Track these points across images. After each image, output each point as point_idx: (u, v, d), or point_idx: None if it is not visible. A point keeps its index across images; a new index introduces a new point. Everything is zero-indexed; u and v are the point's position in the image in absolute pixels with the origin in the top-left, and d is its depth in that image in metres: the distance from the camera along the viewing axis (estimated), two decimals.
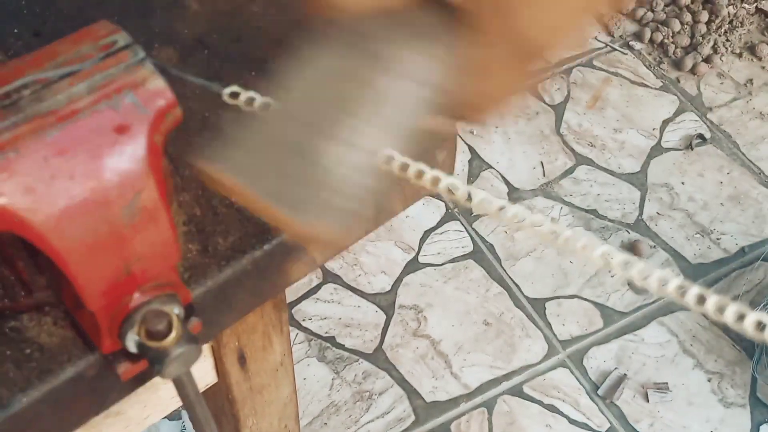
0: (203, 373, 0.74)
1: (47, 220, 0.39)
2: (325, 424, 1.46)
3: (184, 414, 1.24)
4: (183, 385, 0.48)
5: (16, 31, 0.60)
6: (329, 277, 1.61)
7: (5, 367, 0.47)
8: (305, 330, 1.56)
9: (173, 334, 0.44)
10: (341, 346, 1.54)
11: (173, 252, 0.44)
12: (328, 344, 1.54)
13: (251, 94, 0.42)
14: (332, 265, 1.63)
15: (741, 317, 0.34)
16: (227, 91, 0.42)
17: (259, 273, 0.53)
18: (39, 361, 0.47)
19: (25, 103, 0.40)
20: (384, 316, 1.58)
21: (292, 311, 1.57)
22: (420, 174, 0.40)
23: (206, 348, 0.72)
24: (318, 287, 1.60)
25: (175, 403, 0.74)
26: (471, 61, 0.40)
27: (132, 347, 0.45)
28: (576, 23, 0.40)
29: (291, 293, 1.59)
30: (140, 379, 0.51)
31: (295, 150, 0.40)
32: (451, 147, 0.57)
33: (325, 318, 1.57)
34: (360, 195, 0.40)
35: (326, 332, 1.56)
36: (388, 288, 1.61)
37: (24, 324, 0.48)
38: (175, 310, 0.45)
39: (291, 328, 1.56)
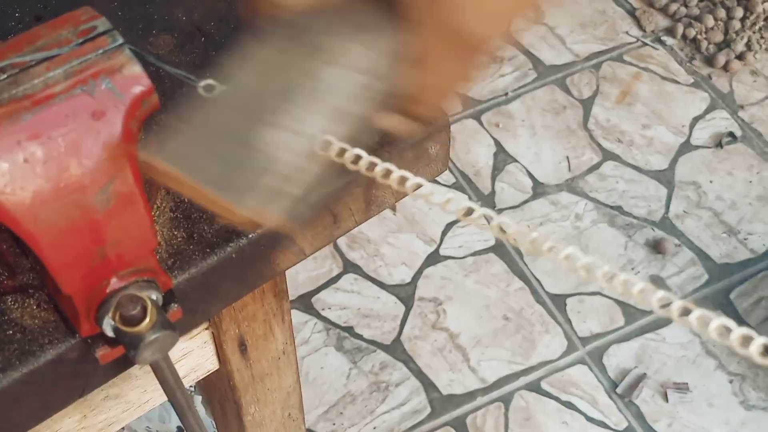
0: (204, 359, 0.74)
1: (20, 204, 0.40)
2: (341, 413, 1.47)
3: (196, 398, 1.25)
4: (161, 371, 0.48)
5: (17, 15, 0.61)
6: (349, 267, 1.62)
7: None
8: (324, 319, 1.56)
9: (147, 320, 0.44)
10: (359, 337, 1.54)
11: (149, 238, 0.44)
12: (347, 334, 1.55)
13: (225, 88, 0.42)
14: (353, 256, 1.63)
15: None
16: (202, 84, 0.42)
17: (245, 262, 0.53)
18: (20, 342, 0.48)
19: (1, 86, 0.40)
20: (403, 308, 1.57)
21: (312, 300, 1.58)
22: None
23: (207, 334, 0.72)
24: (338, 277, 1.61)
25: None
26: (411, 53, 0.39)
27: (109, 331, 0.45)
28: (514, 14, 0.39)
29: (311, 282, 1.60)
30: (122, 364, 0.51)
31: (237, 137, 0.40)
32: (444, 140, 0.57)
33: (344, 308, 1.57)
34: (300, 180, 0.40)
35: (345, 322, 1.56)
36: (409, 280, 1.60)
37: (8, 305, 0.49)
38: (152, 296, 0.45)
39: (309, 317, 1.56)
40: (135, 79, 0.41)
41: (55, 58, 0.41)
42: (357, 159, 0.43)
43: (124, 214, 0.42)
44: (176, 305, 0.48)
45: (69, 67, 0.41)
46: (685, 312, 0.39)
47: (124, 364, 0.51)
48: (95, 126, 0.41)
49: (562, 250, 0.42)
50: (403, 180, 0.42)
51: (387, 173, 0.42)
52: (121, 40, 0.42)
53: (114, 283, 0.44)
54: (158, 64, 0.44)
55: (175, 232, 0.52)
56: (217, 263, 0.51)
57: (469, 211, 0.43)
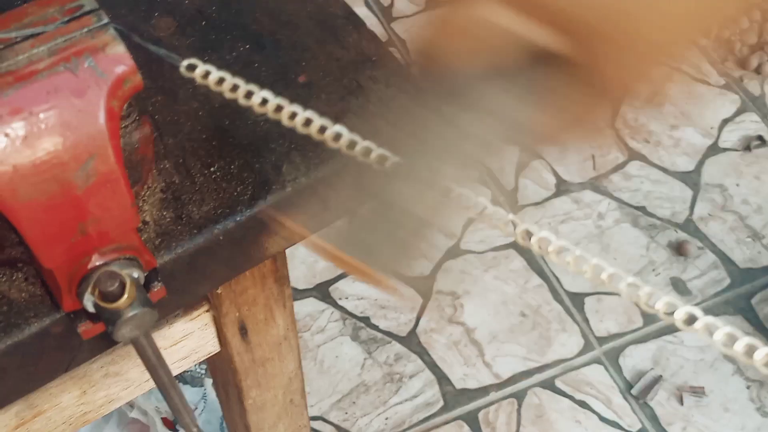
0: (205, 341, 0.75)
1: (0, 177, 0.40)
2: (354, 402, 1.47)
3: (207, 381, 1.26)
4: (142, 349, 0.49)
5: None
6: None
7: None
8: (341, 309, 1.57)
9: (126, 297, 0.44)
10: (375, 327, 1.55)
11: (130, 216, 0.45)
12: (363, 324, 1.55)
13: (207, 67, 0.43)
14: None
15: None
16: (184, 63, 0.43)
17: (233, 244, 0.53)
18: (6, 314, 0.49)
19: None
20: (420, 300, 1.57)
21: (329, 289, 1.59)
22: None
23: (208, 317, 0.73)
24: None
25: (177, 369, 0.75)
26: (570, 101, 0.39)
27: (89, 307, 0.46)
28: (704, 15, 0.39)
29: (329, 271, 1.61)
30: (108, 341, 0.52)
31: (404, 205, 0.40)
32: None
33: (361, 298, 1.58)
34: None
35: (361, 312, 1.56)
36: (427, 272, 1.60)
37: None
38: (134, 274, 0.46)
39: (326, 305, 1.57)
40: (118, 59, 0.42)
41: (41, 36, 0.42)
42: (337, 137, 0.43)
43: (105, 192, 0.43)
44: (160, 284, 0.49)
45: (53, 45, 0.42)
46: (691, 320, 0.38)
47: (110, 340, 0.52)
48: (76, 103, 0.41)
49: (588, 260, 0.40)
50: (382, 159, 0.42)
51: (366, 152, 0.42)
52: (106, 20, 0.43)
53: (95, 259, 0.45)
54: (143, 44, 0.45)
55: (164, 213, 0.52)
56: (204, 244, 0.52)
57: (483, 210, 0.43)
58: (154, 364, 0.50)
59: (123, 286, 0.44)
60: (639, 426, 1.44)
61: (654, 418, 1.44)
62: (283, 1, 0.61)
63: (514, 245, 1.63)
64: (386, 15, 1.97)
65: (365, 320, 1.55)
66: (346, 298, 1.58)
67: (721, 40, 1.88)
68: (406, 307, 1.56)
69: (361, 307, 1.57)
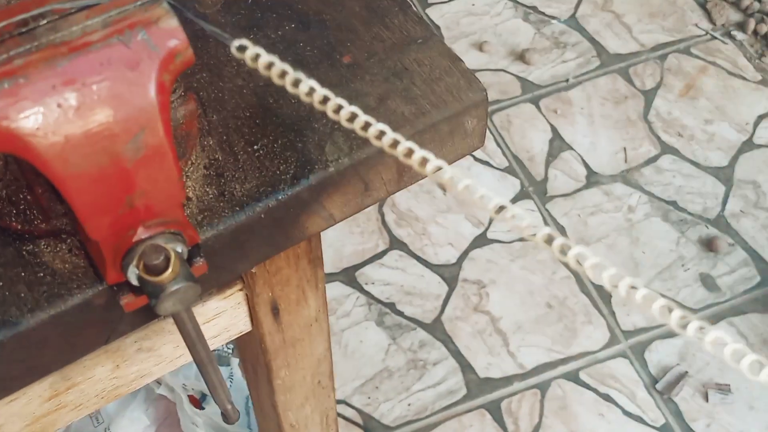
0: (237, 320, 0.75)
1: (51, 147, 0.41)
2: (377, 387, 1.47)
3: (234, 360, 1.27)
4: (183, 323, 0.49)
5: None
6: (396, 243, 1.62)
7: (18, 287, 0.49)
8: (367, 294, 1.57)
9: (170, 270, 0.45)
10: (401, 314, 1.55)
11: (177, 191, 0.45)
12: (388, 310, 1.55)
13: (257, 50, 0.43)
14: (399, 233, 1.63)
15: None
16: (236, 44, 0.43)
17: (273, 222, 0.53)
18: (50, 285, 0.49)
19: (40, 32, 0.41)
20: (446, 288, 1.57)
21: (356, 274, 1.59)
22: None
23: (241, 296, 0.73)
24: (383, 253, 1.61)
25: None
26: None
27: (133, 280, 0.46)
28: None
29: (356, 256, 1.61)
30: (148, 314, 0.52)
31: None
32: (482, 114, 0.56)
33: (387, 284, 1.58)
34: None
35: (387, 298, 1.56)
36: (454, 261, 1.60)
37: (40, 249, 0.50)
38: (178, 248, 0.46)
39: (352, 290, 1.57)
40: (171, 33, 0.42)
41: (95, 7, 0.42)
42: (380, 135, 0.43)
43: (153, 166, 0.43)
44: (201, 260, 0.49)
45: (107, 17, 0.42)
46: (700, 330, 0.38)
47: (148, 314, 0.52)
48: (129, 76, 0.41)
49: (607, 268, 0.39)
50: (424, 161, 0.42)
51: (408, 152, 0.42)
52: None
53: (141, 232, 0.45)
54: (195, 20, 0.45)
55: (207, 189, 0.52)
56: (246, 222, 0.52)
57: (501, 209, 0.43)
58: (193, 339, 0.50)
59: (168, 259, 0.45)
60: (663, 421, 1.43)
61: (678, 414, 1.44)
62: None
63: None
64: (422, 1, 1.96)
65: (390, 306, 1.56)
66: (372, 284, 1.58)
67: (759, 35, 1.86)
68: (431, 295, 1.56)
69: (387, 293, 1.57)
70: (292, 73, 0.43)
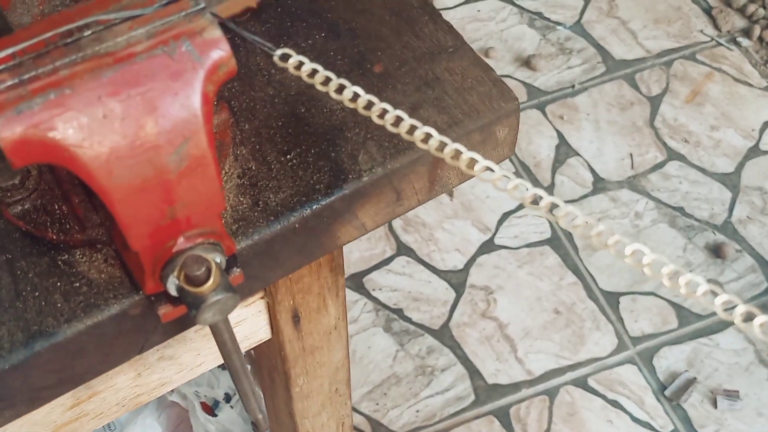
0: (258, 327, 0.75)
1: (96, 158, 0.41)
2: (385, 394, 1.47)
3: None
4: (220, 333, 0.49)
5: None
6: (403, 249, 1.62)
7: (54, 297, 0.49)
8: (374, 300, 1.57)
9: (211, 281, 0.44)
10: (408, 320, 1.55)
11: (218, 201, 0.45)
12: (396, 316, 1.55)
13: (300, 58, 0.43)
14: (407, 239, 1.63)
15: None
16: (278, 53, 0.43)
17: (307, 232, 0.53)
18: (86, 295, 0.49)
19: (85, 42, 0.41)
20: (454, 294, 1.57)
21: (363, 280, 1.59)
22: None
23: (262, 304, 0.73)
24: (391, 258, 1.61)
25: None
26: None
27: (172, 290, 0.46)
28: None
29: (363, 262, 1.61)
30: (182, 324, 0.52)
31: None
32: (513, 124, 0.56)
33: (395, 290, 1.58)
34: None
35: (395, 304, 1.56)
36: (461, 267, 1.60)
37: (76, 258, 0.50)
38: (217, 259, 0.46)
39: (360, 296, 1.57)
40: (214, 43, 0.42)
41: (139, 18, 0.42)
42: (427, 137, 0.43)
43: (196, 176, 0.43)
44: (238, 270, 0.49)
45: (151, 27, 0.42)
46: (749, 317, 0.38)
47: (183, 324, 0.52)
48: (173, 87, 0.41)
49: (627, 245, 0.41)
50: (471, 162, 0.42)
51: (456, 154, 0.42)
52: (202, 4, 0.43)
53: (181, 243, 0.45)
54: (237, 31, 0.45)
55: (241, 198, 0.52)
56: (280, 232, 0.52)
57: (537, 199, 0.43)
58: (229, 348, 0.50)
59: (209, 270, 0.44)
60: (671, 428, 1.43)
61: (687, 420, 1.44)
62: None
63: (548, 241, 1.63)
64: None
65: (398, 312, 1.55)
66: (380, 289, 1.58)
67: (764, 42, 1.86)
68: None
69: (395, 299, 1.57)
70: (335, 80, 0.43)
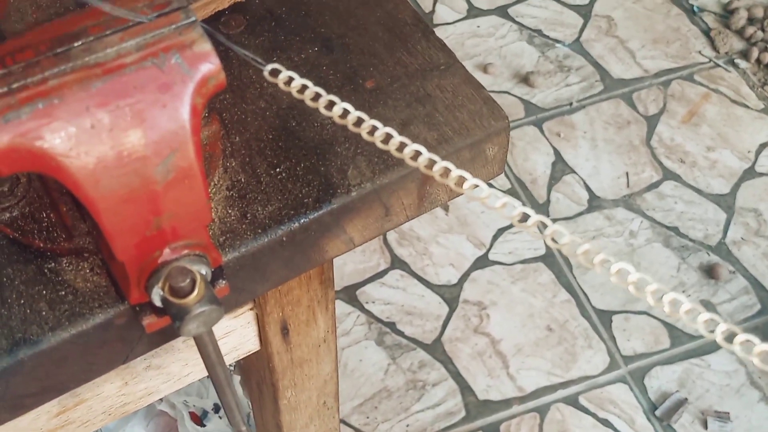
0: (246, 339, 0.75)
1: (83, 168, 0.41)
2: (376, 407, 1.47)
3: (235, 378, 1.26)
4: (204, 345, 0.49)
5: None
6: (397, 263, 1.62)
7: (40, 305, 0.49)
8: (367, 312, 1.57)
9: (195, 293, 0.45)
10: (401, 333, 1.55)
11: (204, 213, 0.45)
12: (388, 329, 1.55)
13: (290, 73, 0.43)
14: (401, 252, 1.63)
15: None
16: (269, 68, 0.43)
17: (295, 245, 0.53)
18: (71, 303, 0.49)
19: (75, 52, 0.41)
20: (447, 309, 1.57)
21: (356, 292, 1.59)
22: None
23: (251, 315, 0.73)
24: (384, 272, 1.61)
25: None
26: None
27: (157, 301, 0.46)
28: None
29: (357, 275, 1.61)
30: (166, 335, 0.52)
31: None
32: (503, 142, 0.57)
33: (388, 303, 1.58)
34: None
35: (387, 317, 1.56)
36: (455, 281, 1.60)
37: (62, 267, 0.50)
38: (202, 271, 0.46)
39: (353, 309, 1.57)
40: (204, 57, 0.42)
41: (130, 29, 0.42)
42: (416, 155, 0.43)
43: (183, 188, 0.43)
44: (224, 282, 0.49)
45: (142, 39, 0.42)
46: (730, 336, 0.39)
47: (168, 335, 0.52)
48: (162, 99, 0.41)
49: (613, 264, 0.42)
50: (460, 180, 0.42)
51: (445, 172, 0.43)
52: (194, 17, 0.43)
53: (166, 254, 0.45)
54: (228, 44, 0.45)
55: (229, 211, 0.52)
56: (267, 244, 0.52)
57: (525, 217, 0.43)
58: (213, 360, 0.50)
59: (193, 282, 0.44)
60: None
61: None
62: (352, 6, 0.62)
63: (543, 258, 1.63)
64: (427, 22, 1.97)
65: (391, 325, 1.55)
66: (373, 302, 1.58)
67: (762, 64, 1.87)
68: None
69: (387, 312, 1.57)
70: (325, 96, 0.43)
